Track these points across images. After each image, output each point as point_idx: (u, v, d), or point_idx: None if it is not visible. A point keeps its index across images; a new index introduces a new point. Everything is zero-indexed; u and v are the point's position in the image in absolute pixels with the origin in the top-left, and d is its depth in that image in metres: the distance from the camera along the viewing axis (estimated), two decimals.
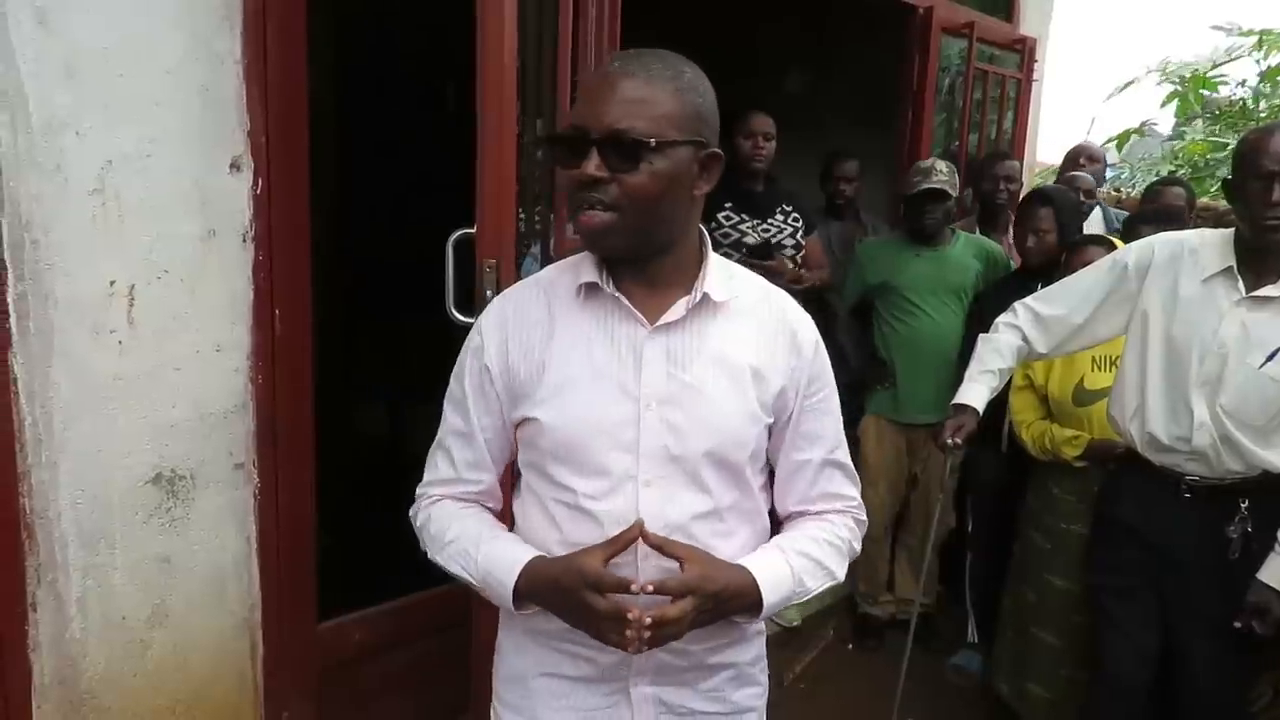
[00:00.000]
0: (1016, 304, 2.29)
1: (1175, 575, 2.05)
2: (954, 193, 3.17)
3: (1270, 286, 1.90)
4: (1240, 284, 1.92)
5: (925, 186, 3.12)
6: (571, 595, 1.11)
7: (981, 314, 2.97)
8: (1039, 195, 3.02)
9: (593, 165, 1.07)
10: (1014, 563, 2.67)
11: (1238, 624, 1.94)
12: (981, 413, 2.25)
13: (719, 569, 1.15)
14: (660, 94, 1.08)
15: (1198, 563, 2.01)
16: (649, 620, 1.07)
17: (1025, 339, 2.23)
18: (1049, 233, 2.87)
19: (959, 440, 2.24)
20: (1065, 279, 2.27)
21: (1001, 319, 2.30)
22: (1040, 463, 2.57)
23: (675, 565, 1.13)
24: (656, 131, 1.07)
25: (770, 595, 1.17)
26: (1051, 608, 2.50)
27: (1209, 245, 2.00)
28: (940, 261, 3.20)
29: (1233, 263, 1.94)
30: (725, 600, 1.14)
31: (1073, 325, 2.17)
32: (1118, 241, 2.77)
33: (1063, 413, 2.51)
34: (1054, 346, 2.23)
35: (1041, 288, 2.74)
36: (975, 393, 2.24)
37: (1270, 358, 1.89)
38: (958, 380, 3.03)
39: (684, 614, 1.10)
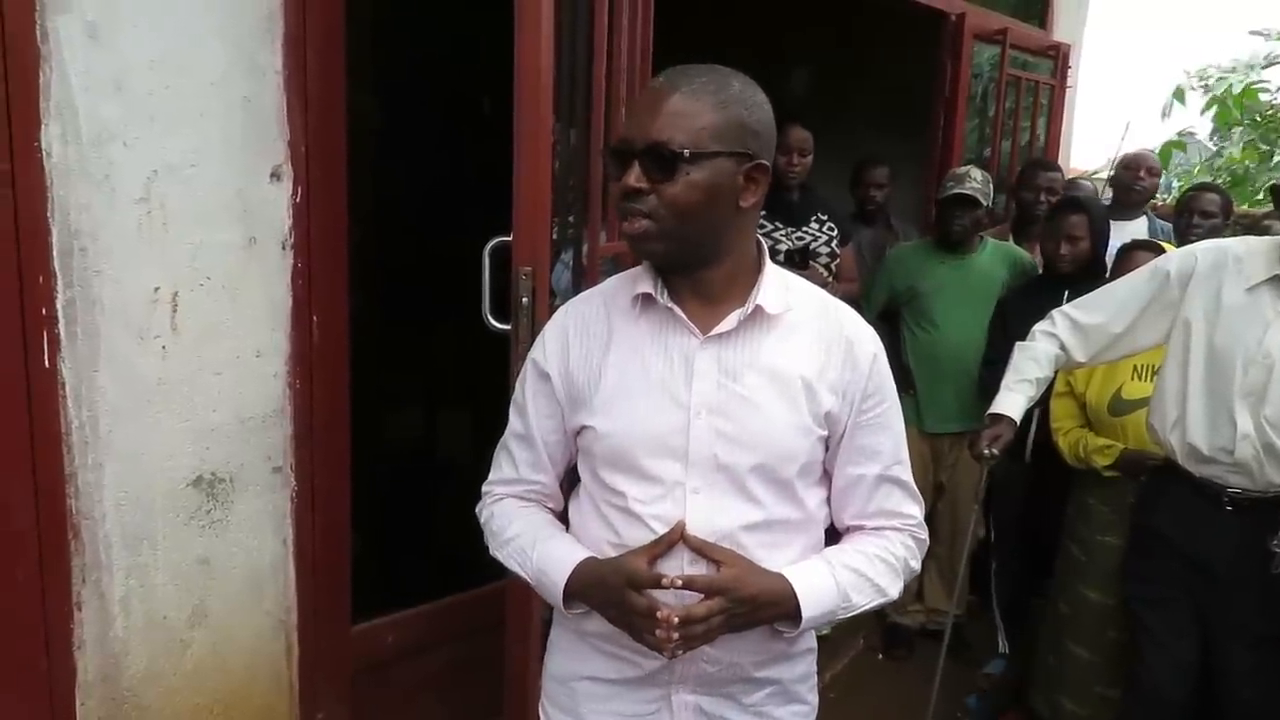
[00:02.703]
0: (1054, 312, 2.26)
1: (1215, 587, 2.02)
2: (985, 202, 3.15)
3: None
4: None
5: (956, 191, 3.10)
6: (614, 593, 1.14)
7: (1005, 320, 2.96)
8: (1073, 202, 2.98)
9: (633, 176, 1.11)
10: (1061, 622, 2.60)
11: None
12: (1019, 422, 2.23)
13: (754, 574, 1.15)
14: (701, 107, 1.10)
15: (1238, 575, 1.98)
16: (676, 619, 1.09)
17: (1063, 347, 2.20)
18: (1082, 239, 2.84)
19: (995, 450, 2.22)
20: (1105, 286, 2.24)
21: (1039, 327, 2.27)
22: (1078, 472, 2.54)
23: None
24: (693, 143, 1.09)
25: (810, 608, 1.17)
26: (1085, 622, 2.47)
27: (1254, 253, 1.96)
28: (967, 269, 3.18)
29: (1279, 271, 1.91)
30: (759, 606, 1.15)
31: (1112, 334, 2.14)
32: (1168, 246, 2.74)
33: (1099, 421, 2.48)
34: (1093, 355, 2.20)
35: (1069, 295, 2.71)
36: (1012, 402, 2.22)
37: None
38: (978, 388, 3.02)
39: (710, 613, 1.11)
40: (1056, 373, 2.31)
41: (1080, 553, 2.49)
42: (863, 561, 1.23)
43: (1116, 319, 2.13)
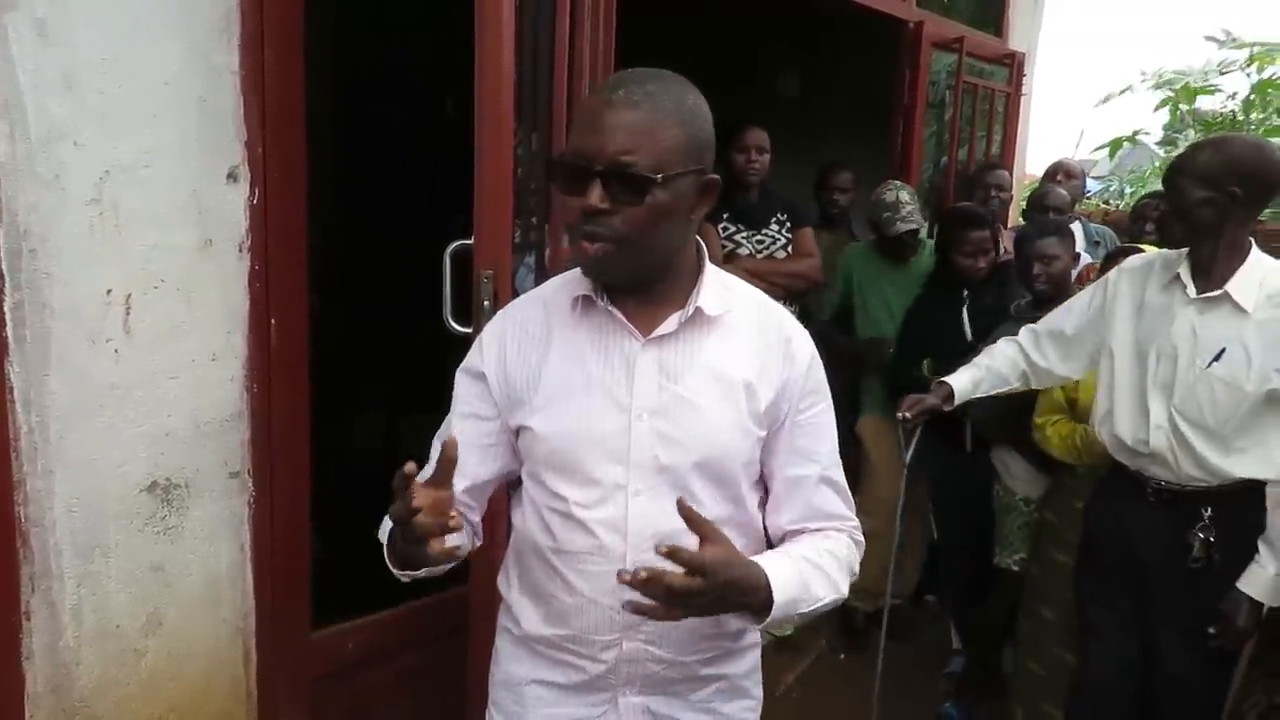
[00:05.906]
0: (1024, 327, 2.38)
1: (1146, 579, 2.09)
2: (923, 223, 3.32)
3: (1216, 290, 1.95)
4: (1191, 288, 1.99)
5: (904, 230, 3.20)
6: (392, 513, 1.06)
7: (909, 320, 3.17)
8: (974, 218, 3.03)
9: (595, 196, 1.07)
10: (1031, 583, 2.62)
11: (1211, 630, 1.97)
12: (956, 397, 2.31)
13: (738, 557, 1.07)
14: (664, 126, 1.07)
15: (1165, 568, 2.04)
16: (644, 575, 0.97)
17: (1022, 350, 2.32)
18: (987, 253, 2.98)
19: (909, 414, 2.29)
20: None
21: (1006, 336, 2.39)
22: (1062, 482, 2.53)
23: (665, 560, 1.14)
24: (661, 165, 1.06)
25: (779, 594, 1.09)
26: (1053, 585, 2.47)
27: (1169, 256, 2.09)
28: (910, 273, 3.31)
29: (1185, 266, 2.01)
30: (738, 592, 1.06)
31: (1066, 337, 2.25)
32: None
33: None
34: (1052, 360, 2.29)
35: (941, 295, 3.03)
36: (956, 376, 2.33)
37: (1216, 358, 1.93)
38: (887, 380, 3.19)
39: (688, 590, 0.99)
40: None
41: (1070, 557, 2.41)
42: (817, 555, 1.20)
43: (1067, 322, 2.25)
